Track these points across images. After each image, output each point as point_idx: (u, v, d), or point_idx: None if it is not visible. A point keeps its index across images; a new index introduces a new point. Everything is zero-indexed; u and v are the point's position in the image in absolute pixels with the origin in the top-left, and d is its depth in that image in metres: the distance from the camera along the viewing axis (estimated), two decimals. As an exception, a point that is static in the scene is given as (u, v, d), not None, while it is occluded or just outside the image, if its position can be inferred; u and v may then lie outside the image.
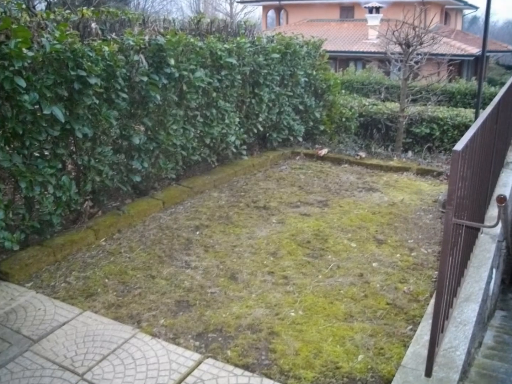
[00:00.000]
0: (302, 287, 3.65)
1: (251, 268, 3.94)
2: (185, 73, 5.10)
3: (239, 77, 6.00)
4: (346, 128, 8.87)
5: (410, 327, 3.16)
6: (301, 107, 7.52)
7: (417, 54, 9.02)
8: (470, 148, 2.58)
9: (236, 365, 2.81)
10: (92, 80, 3.99)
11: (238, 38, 6.10)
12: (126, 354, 2.88)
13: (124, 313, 3.31)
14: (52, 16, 4.34)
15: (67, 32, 3.92)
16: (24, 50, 3.50)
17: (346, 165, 6.93)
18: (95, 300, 3.47)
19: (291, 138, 7.43)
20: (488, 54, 19.53)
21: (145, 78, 4.61)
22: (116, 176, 4.67)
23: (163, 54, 4.80)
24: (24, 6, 4.29)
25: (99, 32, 4.61)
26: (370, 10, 23.56)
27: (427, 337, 2.66)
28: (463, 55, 21.05)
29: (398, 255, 4.20)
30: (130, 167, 4.82)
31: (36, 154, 3.94)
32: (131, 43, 4.53)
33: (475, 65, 22.87)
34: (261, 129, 6.79)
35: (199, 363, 2.81)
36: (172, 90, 5.04)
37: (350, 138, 8.87)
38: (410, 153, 8.47)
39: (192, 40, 5.25)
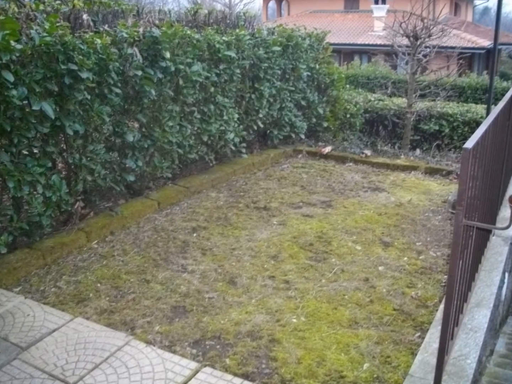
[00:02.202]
0: (304, 292, 3.65)
1: (251, 272, 3.94)
2: (181, 67, 5.10)
3: (238, 71, 6.00)
4: (351, 125, 8.88)
5: (418, 334, 3.16)
6: (303, 102, 7.53)
7: (426, 47, 9.02)
8: (481, 146, 2.58)
9: (235, 374, 2.81)
10: (84, 74, 3.99)
11: (237, 30, 6.10)
12: (119, 362, 2.88)
13: (117, 320, 3.31)
14: (41, 7, 4.33)
15: (57, 24, 3.92)
16: (12, 43, 3.50)
17: (350, 164, 6.94)
18: (86, 306, 3.47)
19: (293, 135, 7.44)
20: (500, 47, 19.53)
21: (139, 72, 4.61)
22: (109, 175, 4.67)
23: (158, 47, 4.81)
24: (12, -4, 4.29)
25: (91, 23, 4.62)
26: (376, 1, 23.66)
27: (436, 345, 2.66)
28: (474, 48, 21.08)
29: (405, 258, 4.20)
30: (124, 166, 4.82)
31: (25, 152, 3.93)
32: (125, 35, 4.53)
33: (487, 58, 22.88)
34: (262, 126, 6.80)
35: (196, 372, 2.80)
36: (167, 85, 5.04)
37: (355, 135, 8.87)
38: (418, 151, 8.49)
39: (188, 32, 5.26)
